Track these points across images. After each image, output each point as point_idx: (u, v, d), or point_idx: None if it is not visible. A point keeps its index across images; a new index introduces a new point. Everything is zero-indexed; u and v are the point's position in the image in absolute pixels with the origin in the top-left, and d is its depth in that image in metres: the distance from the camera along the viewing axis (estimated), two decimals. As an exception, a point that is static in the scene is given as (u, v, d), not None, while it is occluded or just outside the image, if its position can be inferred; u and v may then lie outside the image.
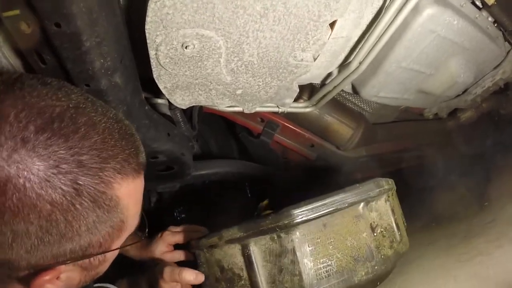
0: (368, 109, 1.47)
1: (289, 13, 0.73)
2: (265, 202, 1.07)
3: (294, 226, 0.78)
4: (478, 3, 1.12)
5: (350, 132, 1.39)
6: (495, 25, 1.25)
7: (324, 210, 0.81)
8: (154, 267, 1.03)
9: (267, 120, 1.34)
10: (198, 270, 0.94)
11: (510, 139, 2.35)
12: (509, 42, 1.39)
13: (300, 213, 0.79)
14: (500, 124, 2.17)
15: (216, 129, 1.57)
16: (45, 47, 0.66)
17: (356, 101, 1.45)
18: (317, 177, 1.52)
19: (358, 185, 0.88)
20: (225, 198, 1.57)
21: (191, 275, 0.94)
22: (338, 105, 1.38)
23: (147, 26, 0.70)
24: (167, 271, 0.96)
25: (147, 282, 1.03)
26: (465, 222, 1.48)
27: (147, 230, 0.75)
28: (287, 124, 1.36)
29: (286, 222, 0.78)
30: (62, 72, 0.70)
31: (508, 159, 2.04)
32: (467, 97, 1.67)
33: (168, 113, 1.08)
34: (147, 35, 0.72)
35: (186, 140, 1.09)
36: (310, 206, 0.80)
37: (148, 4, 0.66)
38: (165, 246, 1.09)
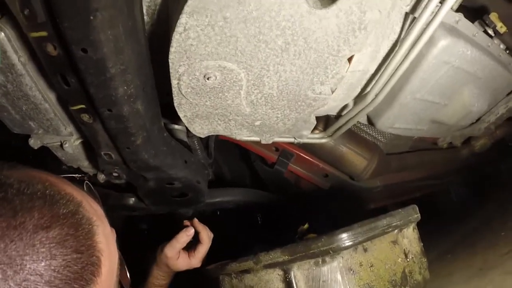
0: (382, 139, 1.47)
1: (309, 47, 0.75)
2: (306, 226, 1.06)
3: (341, 250, 0.79)
4: (490, 32, 1.12)
5: (364, 162, 1.39)
6: (507, 52, 1.25)
7: (370, 233, 0.83)
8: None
9: (282, 149, 1.34)
10: None
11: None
12: None
13: (351, 236, 0.80)
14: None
15: (230, 156, 1.58)
16: (69, 70, 0.68)
17: (370, 131, 1.45)
18: (329, 207, 1.51)
19: (400, 210, 0.93)
20: (237, 226, 1.56)
21: (184, 233, 1.07)
22: (352, 135, 1.38)
23: (171, 56, 0.72)
24: (167, 249, 1.07)
25: (158, 270, 1.12)
26: (481, 253, 1.45)
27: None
28: (301, 154, 1.37)
29: (336, 245, 0.79)
30: (85, 95, 0.72)
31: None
32: (481, 125, 1.66)
33: (185, 139, 1.09)
34: (170, 65, 0.74)
35: (202, 168, 1.09)
36: (360, 229, 0.82)
37: (173, 35, 0.68)
38: (176, 254, 1.10)
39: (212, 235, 1.14)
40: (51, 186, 0.53)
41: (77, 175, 1.19)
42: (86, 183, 0.71)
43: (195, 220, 1.12)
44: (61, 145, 1.03)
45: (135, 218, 1.63)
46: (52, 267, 0.47)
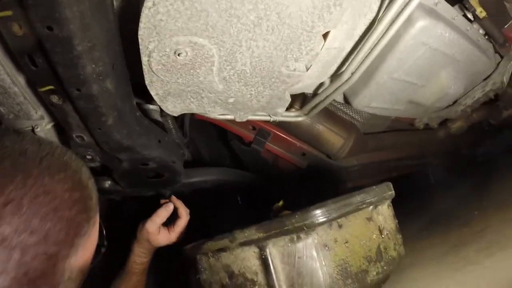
0: (359, 118, 1.48)
1: (283, 23, 0.73)
2: (281, 203, 1.07)
3: (315, 226, 0.80)
4: (470, 16, 1.14)
5: (341, 141, 1.40)
6: (486, 37, 1.27)
7: (344, 209, 0.84)
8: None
9: (259, 128, 1.34)
10: (199, 277, 0.94)
11: (499, 149, 2.39)
12: (499, 54, 1.42)
13: (325, 212, 0.81)
14: (489, 134, 2.20)
15: (208, 136, 1.57)
16: (36, 50, 0.65)
17: (348, 111, 1.46)
18: (307, 185, 1.52)
19: (374, 187, 0.95)
20: (216, 205, 1.56)
21: (164, 209, 1.12)
22: (329, 114, 1.38)
23: (140, 32, 0.70)
24: (148, 224, 1.11)
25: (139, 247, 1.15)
26: (455, 231, 1.50)
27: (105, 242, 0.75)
28: (278, 133, 1.37)
29: (310, 221, 0.80)
30: (53, 76, 0.70)
31: (497, 169, 2.06)
32: (458, 108, 1.68)
33: (160, 119, 1.07)
34: (140, 41, 0.71)
35: (177, 147, 1.08)
36: (334, 206, 0.83)
37: (142, 10, 0.66)
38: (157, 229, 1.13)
39: (188, 211, 1.17)
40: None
41: None
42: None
43: (173, 197, 1.17)
44: (33, 130, 1.00)
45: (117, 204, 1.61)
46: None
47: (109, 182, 1.19)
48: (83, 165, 0.64)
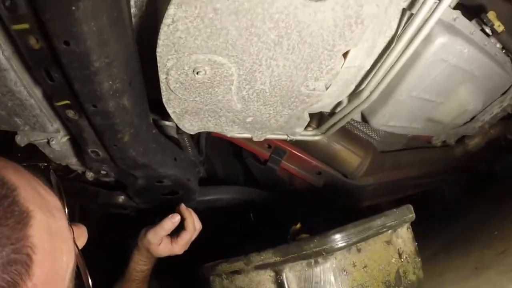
0: (376, 137, 1.46)
1: (304, 42, 0.72)
2: (298, 225, 1.03)
3: (334, 251, 0.79)
4: (488, 30, 1.12)
5: (358, 160, 1.38)
6: (503, 51, 1.25)
7: (364, 234, 0.83)
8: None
9: (275, 146, 1.33)
10: None
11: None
12: None
13: (345, 236, 0.80)
14: (506, 149, 2.16)
15: (223, 153, 1.56)
16: (53, 64, 0.65)
17: (364, 129, 1.44)
18: (323, 205, 1.50)
19: (395, 210, 0.93)
20: (230, 223, 1.55)
21: (169, 220, 1.04)
22: (346, 133, 1.37)
23: (158, 50, 0.69)
24: (150, 235, 1.04)
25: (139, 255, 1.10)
26: (476, 252, 1.45)
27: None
28: (294, 151, 1.36)
29: (329, 246, 0.78)
30: (69, 91, 0.69)
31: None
32: (475, 124, 1.66)
33: (176, 136, 1.07)
34: (158, 58, 0.71)
35: (193, 165, 1.07)
36: (354, 230, 0.81)
37: (161, 27, 0.66)
38: (159, 240, 1.07)
39: (200, 226, 1.11)
40: None
41: (42, 163, 1.16)
42: (51, 172, 0.65)
43: (182, 206, 1.09)
44: (48, 142, 1.00)
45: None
46: None
47: (122, 197, 1.19)
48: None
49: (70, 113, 0.77)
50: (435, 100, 1.23)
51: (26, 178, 0.52)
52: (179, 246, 1.08)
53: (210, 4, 0.63)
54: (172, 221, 1.06)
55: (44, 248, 0.47)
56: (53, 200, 0.55)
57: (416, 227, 1.05)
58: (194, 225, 1.09)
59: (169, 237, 1.08)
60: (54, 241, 0.50)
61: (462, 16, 1.02)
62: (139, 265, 1.11)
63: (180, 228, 1.08)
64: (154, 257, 1.12)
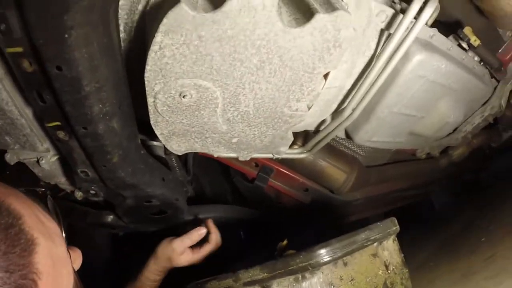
0: (361, 152, 1.48)
1: (285, 65, 0.75)
2: (285, 242, 1.04)
3: (320, 265, 0.80)
4: (464, 45, 1.15)
5: (344, 176, 1.40)
6: (481, 63, 1.28)
7: (349, 248, 0.84)
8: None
9: (262, 165, 1.34)
10: None
11: (501, 172, 2.37)
12: (495, 79, 1.42)
13: (330, 251, 0.81)
14: (490, 157, 2.19)
15: (211, 172, 1.57)
16: (45, 87, 0.67)
17: (349, 145, 1.46)
18: (311, 221, 1.51)
19: (379, 223, 0.94)
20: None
21: (196, 232, 1.11)
22: (331, 149, 1.38)
23: (146, 75, 0.72)
24: (176, 243, 1.09)
25: (155, 265, 1.11)
26: (463, 259, 1.46)
27: None
28: (281, 169, 1.37)
29: (315, 261, 0.80)
30: (60, 113, 0.71)
31: (502, 192, 2.04)
32: (458, 135, 1.68)
33: (164, 156, 1.08)
34: (146, 83, 0.73)
35: (181, 185, 1.09)
36: (338, 244, 0.83)
37: (149, 53, 0.68)
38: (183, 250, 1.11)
39: (220, 242, 1.16)
40: None
41: (39, 189, 1.16)
42: (49, 197, 0.66)
43: (210, 222, 1.16)
44: (38, 161, 1.00)
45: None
46: None
47: (111, 216, 1.19)
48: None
49: (61, 134, 0.79)
50: (416, 114, 1.25)
51: (28, 205, 0.54)
52: (200, 256, 1.13)
53: (195, 32, 0.65)
54: (199, 233, 1.13)
55: (48, 273, 0.49)
56: (53, 226, 0.57)
57: (405, 237, 1.06)
58: (217, 240, 1.15)
59: (190, 248, 1.13)
60: (56, 266, 0.52)
61: (439, 33, 1.06)
62: (153, 274, 1.12)
63: (201, 241, 1.14)
64: (170, 267, 1.13)
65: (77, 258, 0.65)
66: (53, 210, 0.63)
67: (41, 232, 0.51)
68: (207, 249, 1.13)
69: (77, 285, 0.60)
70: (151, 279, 1.13)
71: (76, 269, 0.63)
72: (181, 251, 1.10)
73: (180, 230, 1.15)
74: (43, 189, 1.16)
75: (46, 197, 0.67)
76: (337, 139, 1.43)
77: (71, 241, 0.63)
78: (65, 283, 0.55)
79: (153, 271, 1.12)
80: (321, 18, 0.69)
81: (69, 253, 0.59)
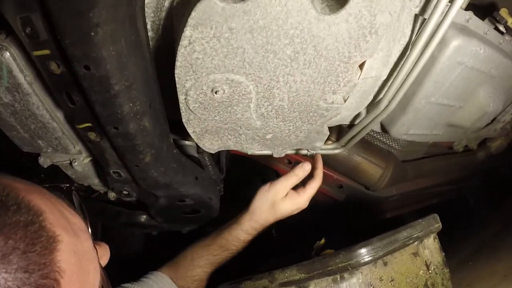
0: (396, 146, 1.44)
1: (320, 55, 0.72)
2: (322, 241, 0.99)
3: (360, 266, 0.77)
4: (501, 28, 1.09)
5: (379, 171, 1.36)
6: (519, 48, 1.22)
7: (391, 247, 0.81)
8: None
9: (295, 162, 1.32)
10: None
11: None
12: None
13: (371, 250, 0.78)
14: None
15: (243, 170, 1.56)
16: (74, 88, 0.66)
17: (384, 139, 1.42)
18: (345, 218, 1.48)
19: (420, 220, 0.91)
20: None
21: (301, 168, 1.00)
22: (366, 144, 1.35)
23: (176, 71, 0.70)
24: (279, 184, 0.98)
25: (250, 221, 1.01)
26: (505, 259, 1.40)
27: None
28: (314, 166, 1.34)
29: (355, 261, 0.77)
30: (90, 114, 0.71)
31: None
32: (497, 126, 1.61)
33: (196, 155, 1.07)
34: (176, 79, 0.72)
35: (214, 184, 1.08)
36: (380, 243, 0.80)
37: (178, 49, 0.67)
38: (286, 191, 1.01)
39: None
40: (8, 191, 0.46)
41: (64, 184, 1.16)
42: (74, 193, 0.65)
43: (318, 155, 1.03)
44: (71, 164, 1.02)
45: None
46: None
47: (144, 216, 1.20)
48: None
49: (92, 135, 0.79)
50: (454, 104, 1.20)
51: (51, 201, 0.52)
52: (307, 196, 1.02)
53: (225, 24, 0.64)
54: (305, 168, 1.01)
55: (72, 270, 0.48)
56: (78, 222, 0.55)
57: (440, 236, 1.02)
58: (322, 175, 1.03)
59: (293, 189, 1.02)
60: (81, 263, 0.50)
61: (475, 16, 1.01)
62: (246, 234, 1.02)
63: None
64: (265, 224, 1.02)
65: (105, 253, 0.64)
66: (78, 206, 0.62)
67: (64, 228, 0.50)
68: (314, 186, 1.01)
69: (104, 281, 0.59)
70: (241, 239, 1.02)
71: (103, 265, 0.61)
72: (285, 192, 0.99)
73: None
74: (68, 185, 1.17)
75: (71, 192, 0.66)
76: (372, 133, 1.40)
77: (104, 238, 0.62)
78: (91, 279, 0.54)
79: (247, 228, 1.01)
80: (355, 4, 0.66)
81: (96, 249, 0.58)
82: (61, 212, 0.53)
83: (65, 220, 0.52)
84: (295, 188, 1.03)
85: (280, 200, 1.00)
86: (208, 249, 1.02)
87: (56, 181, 1.19)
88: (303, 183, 1.03)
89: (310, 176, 1.03)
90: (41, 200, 0.50)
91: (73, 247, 0.50)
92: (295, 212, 1.03)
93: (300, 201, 1.01)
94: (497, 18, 1.07)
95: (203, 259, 1.02)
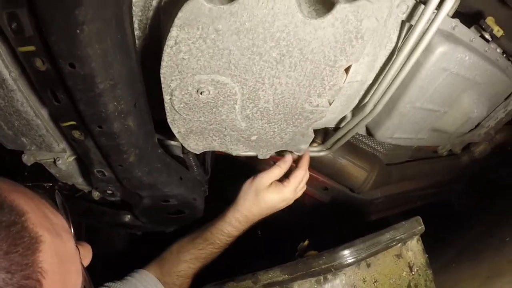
0: (381, 150, 1.45)
1: (305, 59, 0.72)
2: (306, 242, 1.00)
3: (343, 267, 0.78)
4: (487, 36, 1.11)
5: (364, 174, 1.37)
6: (504, 56, 1.24)
7: (374, 248, 0.82)
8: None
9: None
10: None
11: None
12: None
13: (354, 252, 0.79)
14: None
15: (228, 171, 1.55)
16: (59, 85, 0.66)
17: (370, 143, 1.43)
18: (330, 220, 1.48)
19: (403, 222, 0.92)
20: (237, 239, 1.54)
21: (282, 162, 1.01)
22: (351, 147, 1.36)
23: (162, 71, 0.70)
24: (263, 175, 0.99)
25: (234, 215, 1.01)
26: (487, 261, 1.42)
27: None
28: (300, 167, 1.34)
29: (338, 262, 0.78)
30: (75, 112, 0.70)
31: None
32: (481, 131, 1.64)
33: (181, 155, 1.07)
34: (162, 79, 0.72)
35: (198, 184, 1.07)
36: (363, 245, 0.81)
37: (164, 49, 0.66)
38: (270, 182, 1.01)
39: (307, 176, 1.06)
40: None
41: (47, 184, 1.15)
42: (57, 193, 0.65)
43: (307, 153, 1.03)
44: (55, 162, 1.01)
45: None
46: None
47: (129, 216, 1.19)
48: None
49: (76, 134, 0.78)
50: (438, 109, 1.22)
51: (34, 201, 0.52)
52: (291, 185, 1.01)
53: (212, 25, 0.63)
54: (286, 160, 1.02)
55: (54, 271, 0.48)
56: (60, 222, 0.55)
57: (425, 238, 1.04)
58: (307, 166, 1.04)
59: (278, 181, 1.02)
60: (63, 263, 0.50)
61: (461, 24, 1.02)
62: (230, 227, 1.01)
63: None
64: (251, 219, 1.02)
65: (87, 254, 0.63)
66: (61, 206, 0.62)
67: (46, 228, 0.49)
68: (297, 174, 1.01)
69: (86, 282, 0.58)
70: (225, 232, 1.01)
71: (85, 265, 0.61)
72: (269, 182, 0.99)
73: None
74: (51, 184, 1.15)
75: (54, 192, 0.66)
76: (357, 136, 1.41)
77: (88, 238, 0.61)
78: (73, 280, 0.54)
79: (230, 219, 1.01)
80: (342, 8, 0.67)
81: (78, 249, 0.58)
82: (44, 212, 0.52)
83: (47, 221, 0.51)
84: (280, 181, 1.04)
85: (264, 189, 1.00)
86: (193, 242, 1.02)
87: (39, 179, 1.18)
88: (287, 176, 1.04)
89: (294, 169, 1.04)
90: (24, 200, 0.50)
91: (56, 248, 0.50)
92: (281, 205, 1.03)
93: (285, 190, 1.01)
94: (483, 26, 1.08)
95: (189, 253, 1.01)
